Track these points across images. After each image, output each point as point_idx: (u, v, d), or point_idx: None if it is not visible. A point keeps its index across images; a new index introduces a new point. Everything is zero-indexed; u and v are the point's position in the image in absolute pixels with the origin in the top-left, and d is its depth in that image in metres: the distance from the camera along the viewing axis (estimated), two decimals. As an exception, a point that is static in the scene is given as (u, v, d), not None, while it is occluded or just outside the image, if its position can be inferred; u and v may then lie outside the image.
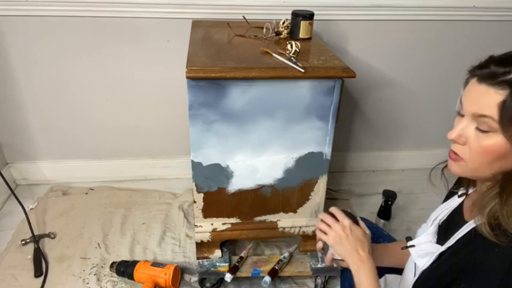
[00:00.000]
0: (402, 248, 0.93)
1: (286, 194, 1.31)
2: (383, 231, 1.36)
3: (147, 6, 1.54)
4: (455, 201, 0.88)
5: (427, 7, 1.68)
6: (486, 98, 0.65)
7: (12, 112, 1.72)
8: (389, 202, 1.60)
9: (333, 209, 0.98)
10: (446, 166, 0.80)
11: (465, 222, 0.78)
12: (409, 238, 0.92)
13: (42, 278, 1.38)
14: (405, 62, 1.79)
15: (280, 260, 1.37)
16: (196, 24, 1.47)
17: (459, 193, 0.87)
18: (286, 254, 1.40)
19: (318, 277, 1.39)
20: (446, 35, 1.76)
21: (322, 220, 0.97)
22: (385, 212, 1.61)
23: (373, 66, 1.79)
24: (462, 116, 0.71)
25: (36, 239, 1.49)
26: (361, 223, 0.98)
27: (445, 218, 0.88)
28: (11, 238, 1.55)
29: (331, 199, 1.82)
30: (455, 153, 0.73)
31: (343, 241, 0.91)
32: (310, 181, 1.29)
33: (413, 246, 0.89)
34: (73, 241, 1.55)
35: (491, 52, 0.69)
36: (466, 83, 0.72)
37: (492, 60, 0.68)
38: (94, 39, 1.60)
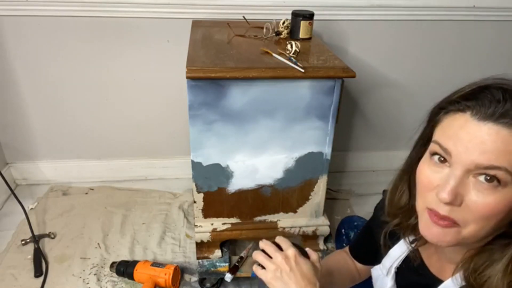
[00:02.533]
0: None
1: (286, 194, 1.31)
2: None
3: (147, 6, 1.54)
4: (404, 246, 0.73)
5: (427, 7, 1.67)
6: (497, 144, 0.48)
7: (12, 112, 1.72)
8: (389, 202, 1.60)
9: (278, 239, 0.76)
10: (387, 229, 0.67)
11: (435, 279, 0.66)
12: None
13: (42, 278, 1.38)
14: (405, 62, 1.79)
15: (280, 260, 1.37)
16: (196, 24, 1.47)
17: (410, 239, 0.71)
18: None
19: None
20: (446, 35, 1.76)
21: (262, 250, 0.75)
22: (385, 212, 1.61)
23: (373, 66, 1.79)
24: (445, 163, 0.53)
25: (36, 239, 1.49)
26: (314, 254, 0.76)
27: (400, 264, 0.74)
28: (11, 238, 1.55)
29: (331, 199, 1.82)
30: (445, 218, 0.53)
31: (283, 277, 0.68)
32: (310, 181, 1.29)
33: None
34: (73, 241, 1.54)
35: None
36: (439, 119, 0.56)
37: (485, 87, 0.52)
38: (94, 39, 1.60)
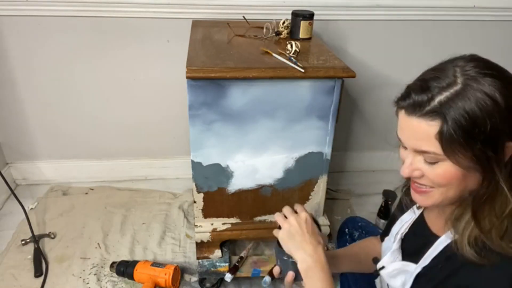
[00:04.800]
0: (373, 273, 0.88)
1: (286, 194, 1.31)
2: (380, 230, 1.36)
3: (147, 6, 1.54)
4: (414, 213, 0.84)
5: (427, 7, 1.67)
6: (422, 133, 0.61)
7: (12, 112, 1.72)
8: (389, 202, 1.60)
9: (296, 205, 0.91)
10: (405, 187, 0.75)
11: (435, 236, 0.74)
12: (376, 260, 0.87)
13: (42, 278, 1.38)
14: (405, 62, 1.79)
15: (280, 260, 1.37)
16: (196, 24, 1.47)
17: (418, 204, 0.81)
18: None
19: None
20: (446, 35, 1.76)
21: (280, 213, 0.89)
22: (385, 212, 1.61)
23: (373, 66, 1.79)
24: (406, 148, 0.67)
25: (36, 239, 1.49)
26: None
27: (407, 231, 0.84)
28: (11, 238, 1.55)
29: (331, 199, 1.82)
30: (421, 185, 0.68)
31: (295, 235, 0.82)
32: (310, 181, 1.29)
33: (383, 267, 0.83)
34: (73, 241, 1.55)
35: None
36: (397, 114, 0.68)
37: (411, 89, 0.63)
38: (94, 39, 1.60)
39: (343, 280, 1.23)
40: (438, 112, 0.59)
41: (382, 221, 1.61)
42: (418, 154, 0.65)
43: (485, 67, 0.61)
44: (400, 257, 0.82)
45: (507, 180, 0.62)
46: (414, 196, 0.71)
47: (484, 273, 0.63)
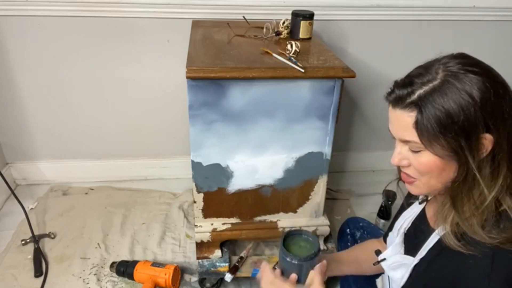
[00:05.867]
0: (374, 264, 0.91)
1: (286, 194, 1.31)
2: (381, 231, 1.36)
3: (147, 6, 1.54)
4: (417, 208, 0.87)
5: (427, 7, 1.67)
6: (403, 124, 0.67)
7: (12, 112, 1.72)
8: (389, 202, 1.60)
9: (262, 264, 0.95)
10: (400, 179, 0.80)
11: (432, 230, 0.77)
12: (378, 252, 0.91)
13: (42, 278, 1.38)
14: (405, 62, 1.76)
15: (280, 260, 1.37)
16: (196, 24, 1.47)
17: (420, 199, 0.87)
18: (286, 254, 1.40)
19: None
20: (446, 35, 1.76)
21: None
22: (385, 212, 1.61)
23: (373, 66, 1.79)
24: (395, 139, 0.73)
25: (36, 239, 1.49)
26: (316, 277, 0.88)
27: (409, 225, 0.87)
28: (11, 238, 1.55)
29: (331, 199, 1.82)
30: (407, 175, 0.73)
31: None
32: (310, 181, 1.29)
33: (384, 259, 0.88)
34: (73, 241, 1.54)
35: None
36: (388, 108, 0.73)
37: (396, 84, 0.69)
38: (94, 39, 1.60)
39: (343, 280, 1.23)
40: (415, 104, 0.65)
41: (382, 221, 1.61)
42: (404, 144, 0.70)
43: (469, 64, 0.64)
44: (402, 250, 0.85)
45: (483, 170, 0.65)
46: (406, 185, 0.77)
47: (467, 261, 0.66)
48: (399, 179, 0.81)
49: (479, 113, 0.61)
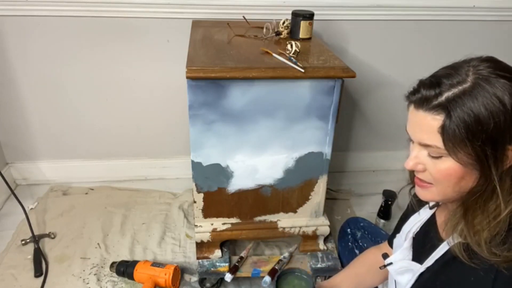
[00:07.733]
0: (380, 268, 0.90)
1: (286, 194, 1.31)
2: (382, 231, 1.36)
3: (147, 6, 1.54)
4: (426, 213, 0.85)
5: (427, 7, 1.67)
6: (426, 126, 0.63)
7: (12, 112, 1.72)
8: (389, 202, 1.60)
9: None
10: (413, 187, 0.77)
11: (441, 239, 0.76)
12: (385, 255, 0.89)
13: (42, 278, 1.38)
14: (405, 62, 1.79)
15: (280, 260, 1.37)
16: (196, 24, 1.47)
17: (430, 204, 0.84)
18: (286, 254, 1.40)
19: (318, 277, 1.39)
20: (446, 35, 1.76)
21: None
22: (385, 212, 1.61)
23: (373, 66, 1.79)
24: (413, 142, 0.69)
25: (36, 239, 1.49)
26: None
27: (418, 230, 0.86)
28: (11, 238, 1.55)
29: (331, 199, 1.82)
30: (421, 180, 0.70)
31: None
32: (310, 181, 1.29)
33: (391, 263, 0.86)
34: (73, 241, 1.54)
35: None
36: (408, 109, 0.69)
37: (422, 84, 0.65)
38: (94, 39, 1.60)
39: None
40: (443, 107, 0.60)
41: (382, 221, 1.61)
42: (423, 148, 0.66)
43: (500, 68, 0.61)
44: (410, 255, 0.84)
45: (504, 183, 0.63)
46: (416, 189, 0.73)
47: (472, 276, 0.65)
48: (412, 185, 0.77)
49: (509, 121, 0.58)
